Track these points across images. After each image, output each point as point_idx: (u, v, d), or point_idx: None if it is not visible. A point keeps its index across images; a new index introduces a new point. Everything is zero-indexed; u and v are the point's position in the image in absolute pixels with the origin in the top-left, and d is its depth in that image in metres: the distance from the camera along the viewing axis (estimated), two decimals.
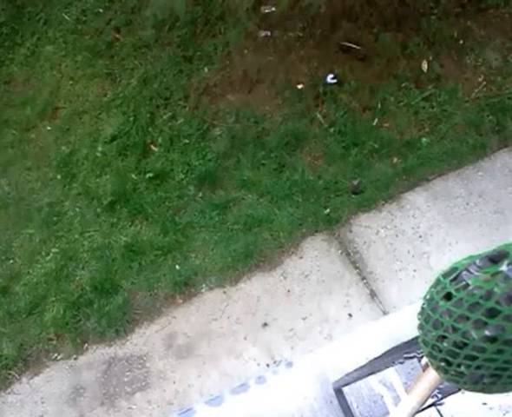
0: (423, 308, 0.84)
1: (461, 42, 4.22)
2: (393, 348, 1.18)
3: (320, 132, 3.93)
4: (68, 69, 4.41)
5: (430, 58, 4.16)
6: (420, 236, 3.50)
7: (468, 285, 0.77)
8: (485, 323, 0.74)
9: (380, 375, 1.31)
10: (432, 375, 0.88)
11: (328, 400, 1.34)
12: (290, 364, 1.42)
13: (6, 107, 4.31)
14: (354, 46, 4.17)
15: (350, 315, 3.25)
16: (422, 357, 1.08)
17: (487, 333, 0.74)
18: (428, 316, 0.82)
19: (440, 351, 0.80)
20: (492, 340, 0.75)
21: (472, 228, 3.48)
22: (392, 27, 4.22)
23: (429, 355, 0.84)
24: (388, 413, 1.31)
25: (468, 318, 0.76)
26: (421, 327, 0.84)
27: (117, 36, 4.49)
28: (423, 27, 4.24)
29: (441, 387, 1.03)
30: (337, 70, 4.11)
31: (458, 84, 4.06)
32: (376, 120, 3.96)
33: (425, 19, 4.27)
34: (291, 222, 3.59)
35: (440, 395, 1.16)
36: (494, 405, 1.31)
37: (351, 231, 3.56)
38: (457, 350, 0.78)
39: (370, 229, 3.56)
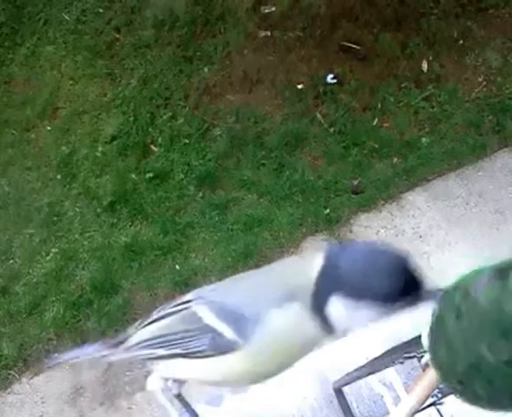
0: (432, 329, 0.80)
1: (461, 42, 4.22)
2: (393, 348, 1.18)
3: (320, 132, 3.93)
4: (68, 69, 4.41)
5: (430, 58, 4.16)
6: (420, 236, 3.50)
7: (477, 301, 0.73)
8: (498, 343, 0.71)
9: (380, 375, 1.31)
10: (432, 375, 0.88)
11: (328, 400, 1.34)
12: None
13: (6, 107, 4.31)
14: (354, 46, 4.17)
15: None
16: (422, 357, 1.07)
17: (501, 353, 0.71)
18: (438, 337, 0.78)
19: (455, 374, 0.77)
20: (507, 361, 0.71)
21: (472, 228, 3.48)
22: (392, 27, 4.22)
23: (444, 378, 0.81)
24: (388, 412, 1.31)
25: (480, 337, 0.72)
26: (431, 348, 0.81)
27: (117, 36, 4.49)
28: (423, 27, 4.25)
29: (441, 386, 1.02)
30: (337, 70, 4.11)
31: (458, 84, 4.06)
32: (376, 120, 3.96)
33: (425, 19, 4.27)
34: (291, 222, 3.59)
35: (440, 395, 1.16)
36: None
37: (351, 231, 3.56)
38: (472, 372, 0.74)
39: (370, 229, 3.56)
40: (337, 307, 0.81)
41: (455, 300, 0.76)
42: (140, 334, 1.03)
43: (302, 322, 0.84)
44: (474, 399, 0.77)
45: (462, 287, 0.76)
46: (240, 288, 0.94)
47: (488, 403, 0.77)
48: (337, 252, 0.84)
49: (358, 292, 0.80)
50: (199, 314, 0.94)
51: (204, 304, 0.94)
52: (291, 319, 0.84)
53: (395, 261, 0.81)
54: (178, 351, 0.96)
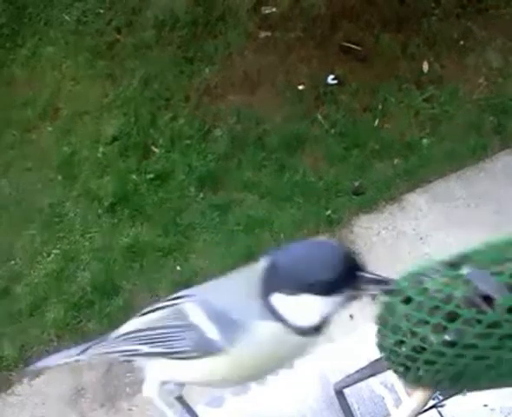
0: (380, 312, 0.84)
1: (461, 42, 4.22)
2: None
3: (321, 133, 3.93)
4: (68, 70, 4.41)
5: (431, 59, 4.15)
6: (421, 238, 3.50)
7: (427, 289, 0.76)
8: (445, 327, 0.74)
9: (381, 377, 1.31)
10: None
11: (329, 402, 1.33)
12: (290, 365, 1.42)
13: (7, 108, 4.32)
14: (354, 47, 4.17)
15: (351, 317, 3.24)
16: None
17: (446, 337, 0.74)
18: (385, 320, 0.81)
19: (398, 356, 0.80)
20: (451, 344, 0.74)
21: (473, 230, 3.46)
22: (393, 28, 4.22)
23: (388, 360, 0.84)
24: (389, 414, 1.31)
25: (427, 322, 0.75)
26: (378, 331, 0.84)
27: (118, 36, 4.49)
28: (423, 28, 4.24)
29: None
30: (337, 71, 4.11)
31: (459, 85, 4.06)
32: (376, 121, 3.95)
33: (426, 20, 4.27)
34: (292, 223, 3.59)
35: (441, 397, 1.16)
36: (495, 406, 1.31)
37: (352, 232, 3.56)
38: (416, 355, 0.77)
39: (371, 230, 3.56)
40: (279, 303, 0.83)
41: (405, 286, 0.79)
42: (125, 326, 1.02)
43: (285, 336, 0.85)
44: (416, 380, 0.80)
45: (413, 276, 0.79)
46: (229, 290, 0.96)
47: (428, 384, 0.80)
48: (276, 253, 0.86)
49: (296, 287, 0.81)
50: (186, 311, 0.93)
51: (193, 302, 0.94)
52: (275, 333, 0.85)
53: (329, 252, 0.83)
54: (160, 349, 0.94)
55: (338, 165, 3.81)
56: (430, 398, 0.94)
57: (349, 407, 1.33)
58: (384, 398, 1.32)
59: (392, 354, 0.81)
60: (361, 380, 1.29)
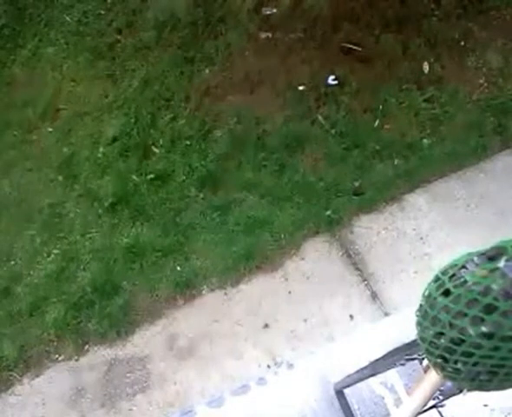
0: (421, 305, 0.85)
1: (462, 43, 4.22)
2: (394, 350, 1.18)
3: (321, 133, 3.93)
4: (69, 71, 4.41)
5: (432, 60, 4.15)
6: (421, 238, 3.50)
7: (466, 281, 0.78)
8: (482, 319, 0.75)
9: (381, 377, 1.31)
10: (433, 377, 0.88)
11: (329, 402, 1.34)
12: (291, 365, 1.42)
13: (8, 108, 4.32)
14: (355, 47, 4.17)
15: (351, 317, 3.25)
16: (423, 359, 1.08)
17: (484, 329, 0.75)
18: (426, 313, 0.83)
19: (437, 348, 0.81)
20: (489, 336, 0.75)
21: (473, 230, 3.47)
22: (393, 28, 4.22)
23: (427, 352, 0.85)
24: (389, 414, 1.31)
25: (465, 314, 0.77)
26: (419, 323, 0.85)
27: (118, 37, 4.50)
28: (424, 28, 4.24)
29: (442, 388, 1.02)
30: (338, 72, 4.11)
31: (459, 86, 4.06)
32: (377, 121, 3.95)
33: (426, 21, 4.27)
34: (292, 224, 3.59)
35: (441, 397, 1.16)
36: (495, 407, 1.31)
37: (352, 232, 3.56)
38: (454, 347, 0.79)
39: (371, 231, 3.56)
40: None
41: (444, 280, 0.81)
42: None
43: None
44: (454, 373, 0.82)
45: (451, 269, 0.81)
46: None
47: (466, 378, 0.81)
48: None
49: None
50: None
51: None
52: None
53: None
54: None
55: (338, 165, 3.81)
56: (431, 398, 0.94)
57: (349, 407, 1.33)
58: (383, 398, 1.32)
59: (431, 346, 0.82)
60: (361, 380, 1.29)
